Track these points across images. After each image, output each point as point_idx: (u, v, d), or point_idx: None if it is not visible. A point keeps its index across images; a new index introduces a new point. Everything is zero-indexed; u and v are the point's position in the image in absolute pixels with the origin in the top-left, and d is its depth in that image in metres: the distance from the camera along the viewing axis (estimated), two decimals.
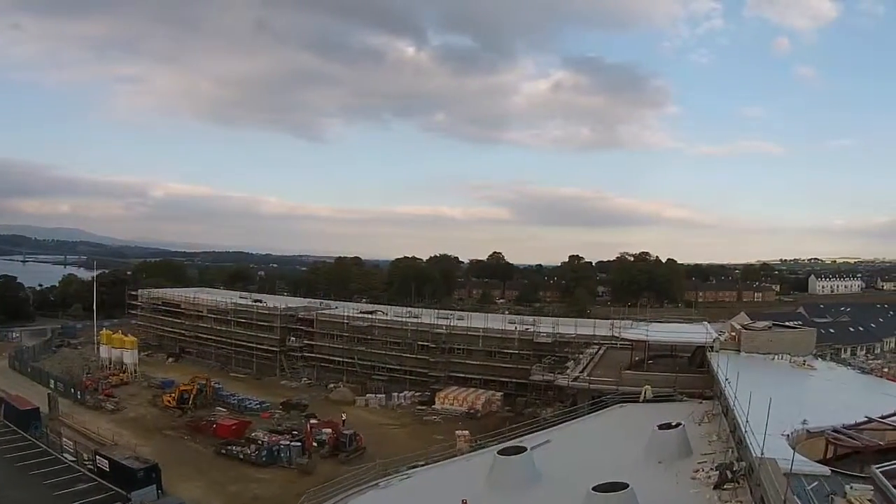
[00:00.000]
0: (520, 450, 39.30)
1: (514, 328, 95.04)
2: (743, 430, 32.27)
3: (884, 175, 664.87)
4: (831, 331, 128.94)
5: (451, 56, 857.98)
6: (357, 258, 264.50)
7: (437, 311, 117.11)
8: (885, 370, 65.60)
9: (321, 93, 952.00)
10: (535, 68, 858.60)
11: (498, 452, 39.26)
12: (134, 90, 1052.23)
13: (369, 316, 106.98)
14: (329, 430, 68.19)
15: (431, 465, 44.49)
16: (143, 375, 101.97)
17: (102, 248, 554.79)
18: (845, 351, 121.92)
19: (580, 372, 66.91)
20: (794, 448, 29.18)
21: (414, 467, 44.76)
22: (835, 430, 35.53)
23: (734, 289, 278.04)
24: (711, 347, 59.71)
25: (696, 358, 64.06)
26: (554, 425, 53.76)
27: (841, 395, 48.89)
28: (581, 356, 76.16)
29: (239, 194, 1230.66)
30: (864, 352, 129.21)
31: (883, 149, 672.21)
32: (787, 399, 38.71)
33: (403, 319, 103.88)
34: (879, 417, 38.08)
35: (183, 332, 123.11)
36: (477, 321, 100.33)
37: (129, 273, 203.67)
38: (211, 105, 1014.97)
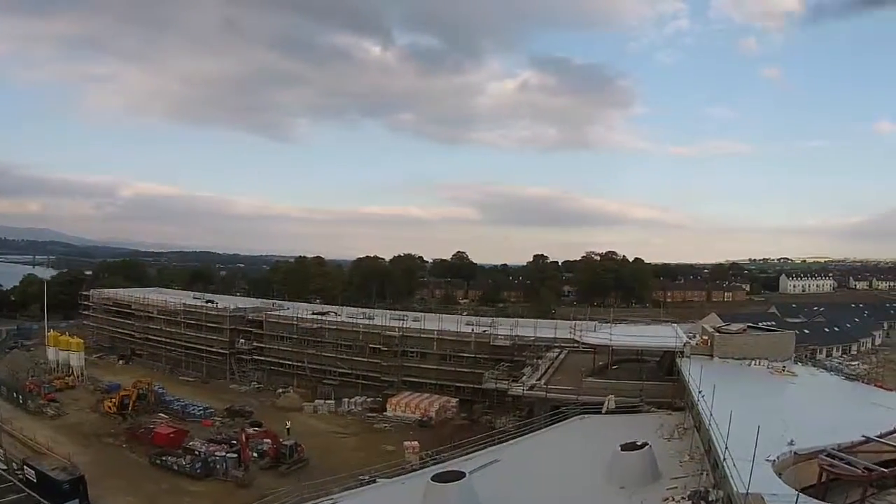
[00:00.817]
0: (458, 475, 32.77)
1: (471, 330, 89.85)
2: (721, 455, 27.64)
3: (854, 176, 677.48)
4: (806, 331, 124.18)
5: (418, 56, 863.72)
6: (319, 258, 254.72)
7: (392, 312, 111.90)
8: (877, 379, 59.70)
9: (289, 92, 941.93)
10: (502, 68, 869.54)
11: (432, 478, 32.67)
12: (104, 89, 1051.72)
13: (320, 317, 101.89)
14: (269, 441, 64.24)
15: (356, 491, 37.95)
16: (90, 378, 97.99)
17: (72, 248, 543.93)
18: (821, 351, 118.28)
19: (537, 379, 60.71)
20: (781, 476, 26.57)
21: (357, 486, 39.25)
22: (829, 455, 29.67)
23: (703, 288, 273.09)
24: (681, 353, 53.91)
25: (665, 363, 58.61)
26: (508, 439, 47.44)
27: (828, 408, 43.32)
28: (540, 361, 70.27)
29: (208, 194, 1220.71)
30: (840, 352, 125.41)
31: (854, 150, 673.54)
32: (769, 413, 35.50)
33: (354, 321, 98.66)
34: (877, 436, 32.39)
35: (133, 333, 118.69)
36: (432, 323, 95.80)
37: (87, 273, 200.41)
38: (180, 105, 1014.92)
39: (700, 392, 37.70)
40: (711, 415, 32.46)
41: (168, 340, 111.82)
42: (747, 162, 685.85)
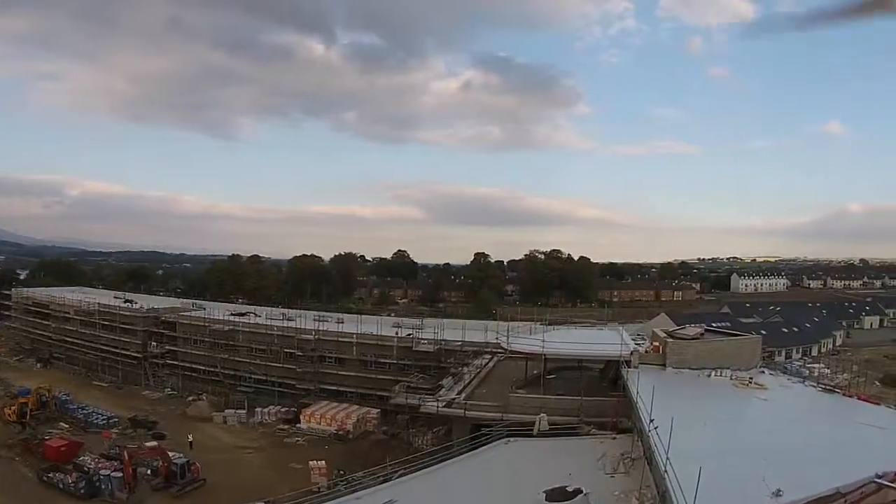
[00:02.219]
0: None
1: (394, 333, 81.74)
2: None
3: (801, 176, 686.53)
4: (763, 332, 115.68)
5: (360, 55, 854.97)
6: (256, 256, 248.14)
7: (315, 313, 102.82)
8: (858, 389, 50.60)
9: (233, 91, 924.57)
10: (445, 67, 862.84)
11: None
12: (52, 87, 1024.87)
13: (235, 319, 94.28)
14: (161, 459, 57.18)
15: None
16: (2, 383, 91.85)
17: (22, 247, 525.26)
18: (779, 353, 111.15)
19: (458, 392, 50.79)
20: None
21: None
22: None
23: (652, 288, 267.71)
24: (628, 362, 44.52)
25: (610, 372, 49.62)
26: (422, 466, 37.42)
27: (812, 432, 34.05)
28: (466, 369, 60.58)
29: (155, 193, 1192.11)
30: (799, 354, 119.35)
31: (801, 151, 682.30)
32: (742, 444, 28.93)
33: (269, 323, 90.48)
34: (878, 476, 24.39)
35: (51, 335, 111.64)
36: (354, 325, 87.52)
37: (17, 273, 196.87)
38: (127, 103, 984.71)
39: (651, 422, 28.71)
40: (668, 458, 23.63)
41: (84, 343, 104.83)
42: (694, 162, 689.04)
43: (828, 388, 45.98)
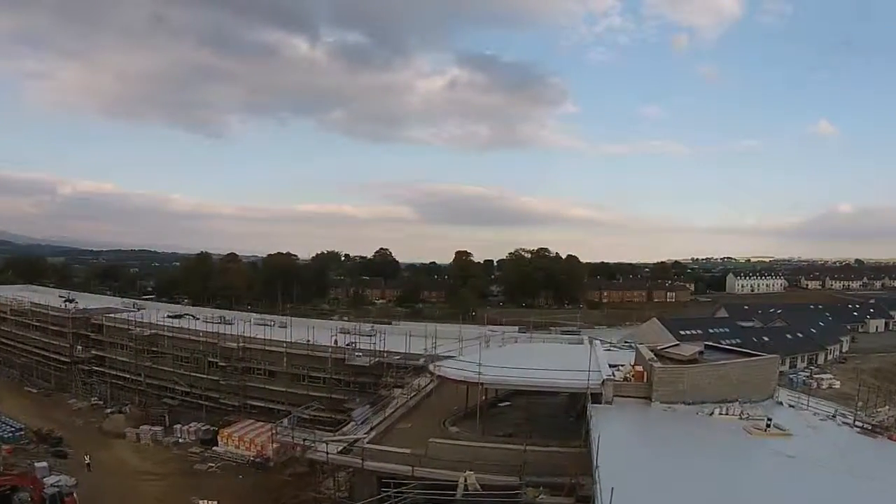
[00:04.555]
0: None
1: (332, 342, 69.12)
2: None
3: (790, 176, 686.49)
4: (765, 339, 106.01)
5: (345, 53, 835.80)
6: (233, 254, 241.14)
7: (263, 316, 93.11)
8: None
9: (220, 89, 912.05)
10: (430, 66, 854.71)
11: None
12: (39, 86, 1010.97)
13: (160, 322, 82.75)
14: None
15: None
16: None
17: (14, 246, 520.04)
18: (783, 362, 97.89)
19: (370, 429, 38.03)
20: None
21: None
22: None
23: (644, 288, 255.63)
24: (598, 395, 32.02)
25: (579, 402, 36.84)
26: None
27: None
28: (397, 392, 47.70)
29: (146, 191, 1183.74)
30: (805, 363, 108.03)
31: (788, 149, 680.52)
32: None
33: (193, 328, 79.21)
34: None
35: None
36: (301, 330, 76.20)
37: None
38: (115, 101, 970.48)
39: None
40: None
41: (17, 345, 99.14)
42: (683, 161, 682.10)
43: (866, 427, 33.72)
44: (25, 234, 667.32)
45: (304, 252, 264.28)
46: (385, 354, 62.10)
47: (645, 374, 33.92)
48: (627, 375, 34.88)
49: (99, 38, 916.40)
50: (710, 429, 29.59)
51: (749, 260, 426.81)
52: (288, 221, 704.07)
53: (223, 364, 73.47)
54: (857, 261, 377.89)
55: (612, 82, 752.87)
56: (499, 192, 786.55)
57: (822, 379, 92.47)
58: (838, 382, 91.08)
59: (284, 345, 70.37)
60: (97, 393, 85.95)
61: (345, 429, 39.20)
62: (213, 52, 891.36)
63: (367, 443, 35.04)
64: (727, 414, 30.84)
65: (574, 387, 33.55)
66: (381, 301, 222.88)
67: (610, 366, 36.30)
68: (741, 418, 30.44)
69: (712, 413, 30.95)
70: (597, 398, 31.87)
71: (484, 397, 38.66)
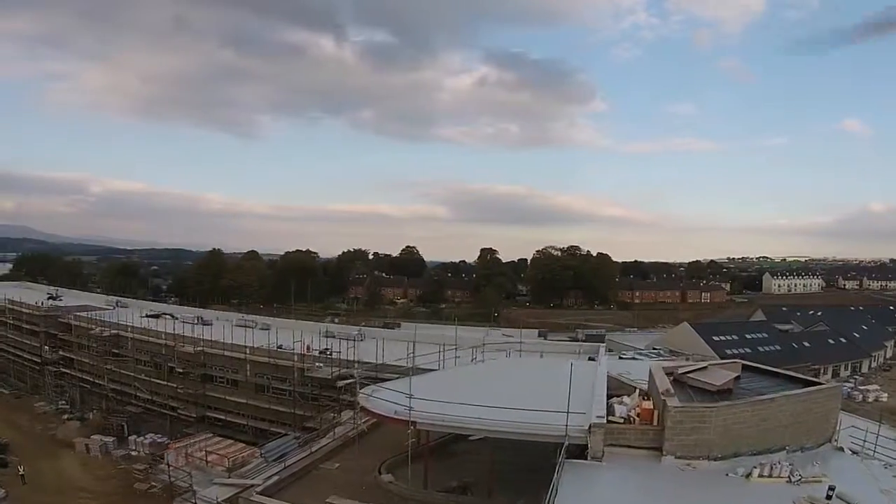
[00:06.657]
0: None
1: (304, 350, 59.90)
2: None
3: (821, 174, 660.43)
4: (806, 343, 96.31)
5: (373, 52, 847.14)
6: (253, 251, 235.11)
7: (245, 316, 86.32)
8: None
9: (247, 90, 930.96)
10: (458, 64, 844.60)
11: None
12: (65, 87, 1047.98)
13: (125, 324, 75.75)
14: None
15: None
16: None
17: (46, 244, 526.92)
18: (824, 371, 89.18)
19: (284, 468, 28.54)
20: None
21: None
22: None
23: (678, 288, 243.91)
24: (584, 448, 22.49)
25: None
26: None
27: None
28: (345, 418, 38.83)
29: (178, 190, 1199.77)
30: (848, 371, 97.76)
31: (816, 147, 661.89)
32: None
33: (155, 329, 72.61)
34: None
35: None
36: (286, 334, 67.10)
37: None
38: (142, 101, 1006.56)
39: None
40: None
41: None
42: (713, 159, 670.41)
43: None
44: (60, 233, 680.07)
45: (332, 250, 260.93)
46: (356, 365, 50.67)
47: (656, 412, 24.16)
48: (630, 414, 24.75)
49: (118, 40, 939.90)
50: (746, 502, 20.09)
51: (785, 259, 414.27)
52: (319, 220, 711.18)
53: (180, 371, 67.20)
54: (892, 260, 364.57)
55: (639, 79, 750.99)
56: (531, 191, 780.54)
57: (868, 391, 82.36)
58: (885, 395, 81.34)
59: (246, 350, 62.66)
60: (66, 397, 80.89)
61: (248, 467, 29.98)
62: (235, 52, 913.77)
63: (259, 493, 25.99)
64: (770, 475, 21.32)
65: (544, 433, 23.89)
66: (402, 300, 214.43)
67: (609, 397, 26.58)
68: (790, 481, 21.04)
69: (750, 474, 21.46)
70: (581, 449, 22.53)
71: (426, 439, 29.10)
